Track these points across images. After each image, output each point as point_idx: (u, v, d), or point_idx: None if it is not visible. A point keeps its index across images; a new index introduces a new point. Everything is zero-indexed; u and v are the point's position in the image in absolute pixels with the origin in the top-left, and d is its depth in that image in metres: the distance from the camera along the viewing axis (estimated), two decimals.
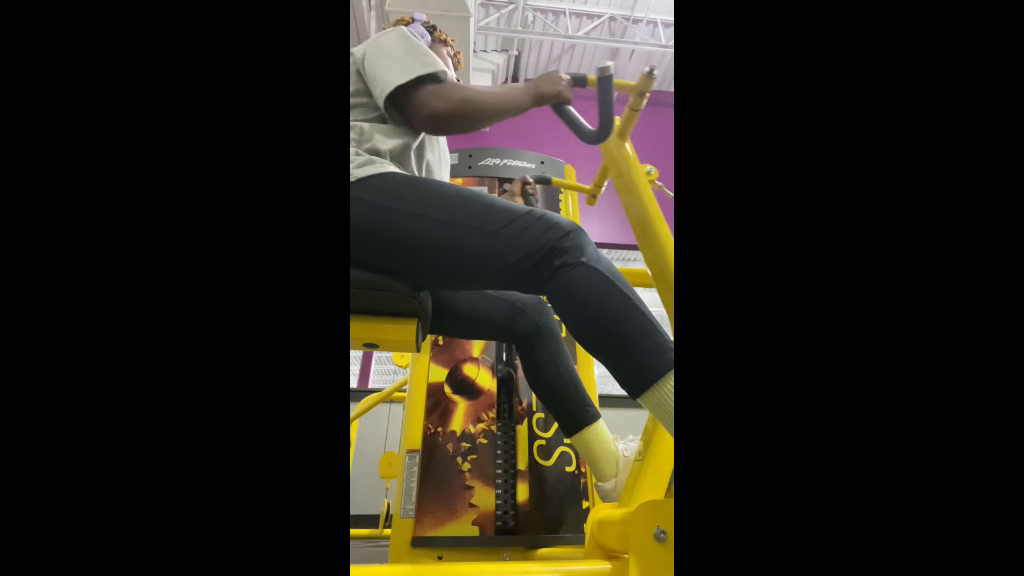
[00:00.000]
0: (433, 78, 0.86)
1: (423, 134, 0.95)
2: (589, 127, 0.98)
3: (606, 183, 1.37)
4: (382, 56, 0.88)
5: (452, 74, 1.13)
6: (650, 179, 1.09)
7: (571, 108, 0.97)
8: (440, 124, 0.85)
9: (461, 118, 0.84)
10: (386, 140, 0.88)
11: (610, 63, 0.90)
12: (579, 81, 0.95)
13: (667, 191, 1.24)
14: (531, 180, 1.29)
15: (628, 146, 1.12)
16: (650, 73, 0.96)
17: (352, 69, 0.93)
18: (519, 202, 1.23)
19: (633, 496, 0.75)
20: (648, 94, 1.01)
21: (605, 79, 0.90)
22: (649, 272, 0.94)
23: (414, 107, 0.85)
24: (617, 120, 1.08)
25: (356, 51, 0.94)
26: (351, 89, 0.92)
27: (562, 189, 1.57)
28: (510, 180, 1.65)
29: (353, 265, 0.80)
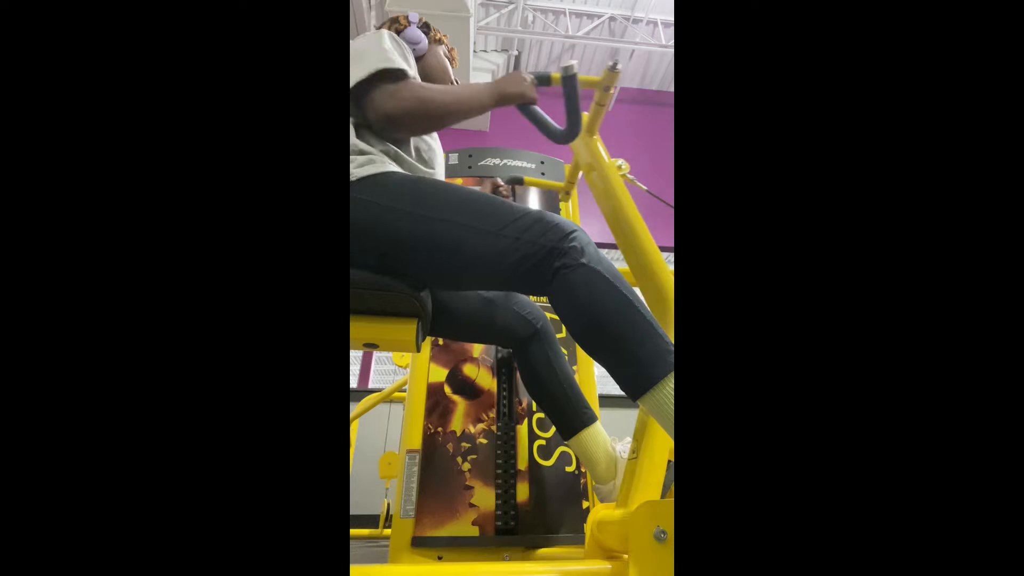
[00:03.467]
0: (390, 75, 0.84)
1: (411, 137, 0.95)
2: (557, 127, 0.98)
3: (579, 178, 1.38)
4: (355, 55, 0.87)
5: (452, 74, 1.13)
6: (621, 173, 1.10)
7: (538, 108, 0.96)
8: (395, 124, 0.83)
9: (418, 118, 0.82)
10: (377, 142, 0.88)
11: (574, 62, 0.90)
12: (543, 80, 0.94)
13: (640, 185, 1.24)
14: (501, 183, 1.29)
15: (597, 141, 1.13)
16: (613, 68, 0.96)
17: None
18: None
19: (630, 496, 0.75)
20: (613, 89, 1.01)
21: (569, 77, 0.90)
22: (627, 264, 0.94)
23: (369, 107, 0.83)
24: (585, 116, 1.08)
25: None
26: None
27: (543, 188, 1.57)
28: (522, 179, 1.66)
29: (353, 265, 0.80)
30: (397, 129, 0.85)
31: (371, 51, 0.86)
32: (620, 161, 1.18)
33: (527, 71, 0.94)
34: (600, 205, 1.09)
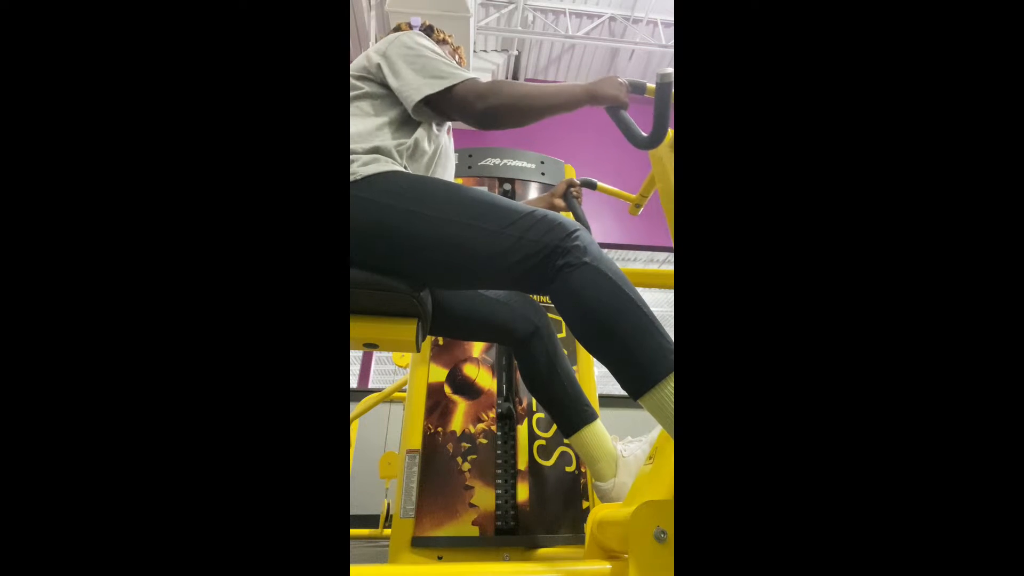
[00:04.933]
0: (473, 80, 0.88)
1: (427, 133, 0.95)
2: (641, 132, 0.97)
3: (653, 192, 1.36)
4: (404, 62, 0.90)
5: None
6: None
7: (626, 113, 0.97)
8: (494, 118, 0.86)
9: (515, 113, 0.86)
10: (393, 138, 0.89)
11: (669, 70, 0.89)
12: (638, 88, 0.96)
13: None
14: (577, 183, 1.27)
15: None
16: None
17: (367, 67, 0.93)
18: (560, 205, 1.23)
19: (638, 500, 0.75)
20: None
21: (664, 85, 0.89)
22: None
23: (462, 107, 0.87)
24: (670, 132, 1.08)
25: (373, 51, 0.95)
26: (366, 88, 0.92)
27: (610, 195, 1.55)
28: (511, 180, 1.65)
29: (354, 264, 0.80)
30: (496, 122, 0.87)
31: (430, 63, 0.89)
32: None
33: (623, 77, 0.96)
34: (669, 220, 1.08)
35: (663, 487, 0.66)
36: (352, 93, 0.92)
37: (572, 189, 1.25)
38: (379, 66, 0.92)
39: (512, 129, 0.91)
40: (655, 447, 0.80)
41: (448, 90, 0.87)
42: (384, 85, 0.93)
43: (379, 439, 3.28)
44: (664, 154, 1.11)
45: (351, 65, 0.96)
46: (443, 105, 0.88)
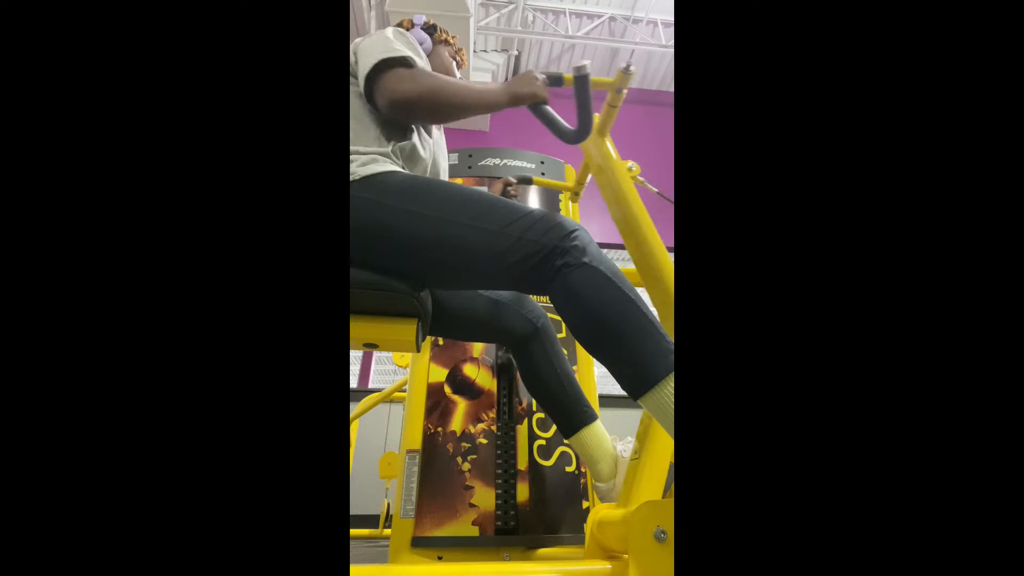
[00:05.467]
0: (401, 62, 0.84)
1: (416, 134, 0.95)
2: (568, 127, 0.98)
3: (588, 179, 1.37)
4: (362, 52, 0.88)
5: (457, 74, 1.13)
6: (632, 175, 1.09)
7: (549, 108, 0.95)
8: (404, 109, 0.83)
9: (427, 105, 0.82)
10: (384, 139, 0.88)
11: (586, 62, 0.89)
12: (555, 80, 0.94)
13: (649, 187, 1.24)
14: (513, 180, 1.29)
15: (608, 143, 1.12)
16: (626, 69, 0.95)
17: (352, 66, 0.92)
18: None
19: (631, 496, 0.75)
20: (625, 90, 1.01)
21: (582, 78, 0.89)
22: (634, 266, 0.94)
23: (379, 91, 0.83)
24: (596, 117, 1.08)
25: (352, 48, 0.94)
26: (357, 95, 0.92)
27: (558, 189, 1.57)
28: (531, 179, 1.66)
29: (354, 265, 0.80)
30: (407, 115, 0.84)
31: (376, 45, 0.86)
32: (631, 163, 1.17)
33: (539, 71, 0.93)
34: (609, 207, 1.09)
35: (655, 487, 0.66)
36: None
37: (509, 188, 1.27)
38: (352, 61, 0.91)
39: (435, 124, 0.86)
40: (638, 441, 0.80)
41: (378, 66, 0.83)
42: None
43: (379, 439, 3.28)
44: (595, 142, 1.11)
45: None
46: (373, 87, 0.84)
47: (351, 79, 0.91)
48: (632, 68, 0.95)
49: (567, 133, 0.97)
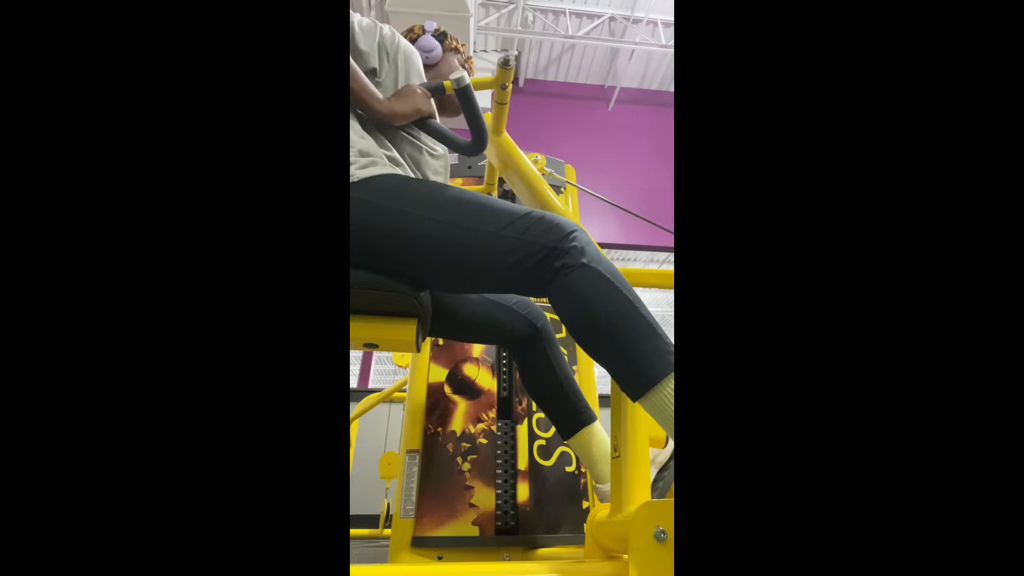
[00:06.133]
0: None
1: (413, 138, 0.95)
2: (463, 140, 0.94)
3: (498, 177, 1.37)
4: None
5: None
6: (537, 167, 1.09)
7: (438, 123, 0.92)
8: None
9: None
10: (381, 146, 0.89)
11: (463, 73, 0.85)
12: (436, 90, 0.92)
13: (586, 190, 1.23)
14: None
15: (506, 140, 1.11)
16: (505, 63, 0.91)
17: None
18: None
19: (622, 495, 0.76)
20: (510, 85, 0.98)
21: (462, 89, 0.86)
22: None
23: None
24: (488, 116, 1.05)
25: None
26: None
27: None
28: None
29: (353, 265, 0.80)
30: None
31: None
32: (536, 155, 1.17)
33: (418, 85, 0.89)
34: (522, 199, 1.09)
35: (643, 482, 0.66)
36: None
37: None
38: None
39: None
40: (614, 438, 0.81)
41: None
42: None
43: (379, 439, 3.28)
44: (493, 142, 1.10)
45: None
46: None
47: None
48: (511, 61, 0.92)
49: (464, 146, 0.93)
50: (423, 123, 0.90)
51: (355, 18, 0.89)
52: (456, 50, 1.12)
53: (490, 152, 1.13)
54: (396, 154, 0.89)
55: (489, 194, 1.44)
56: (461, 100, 0.86)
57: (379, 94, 0.86)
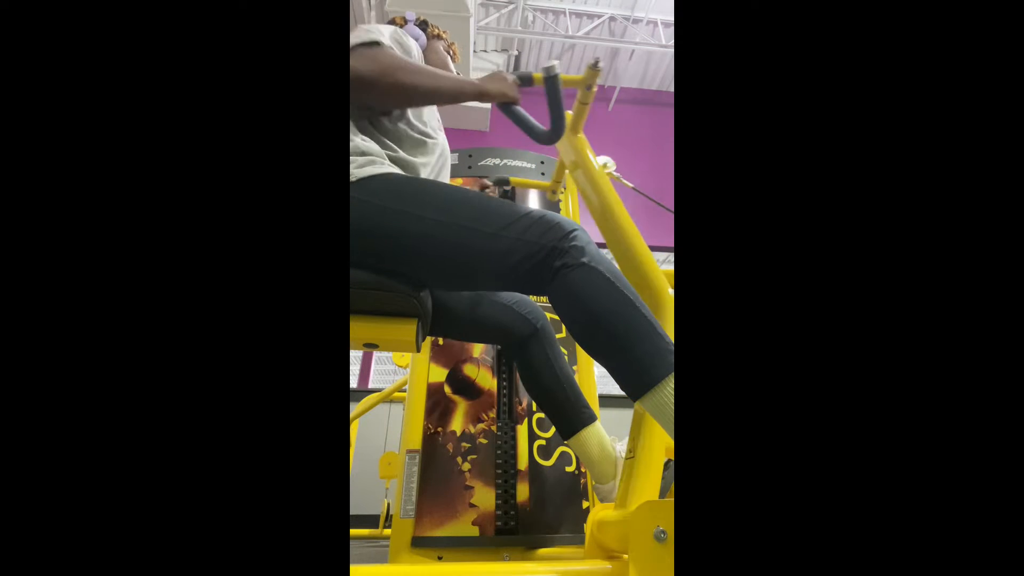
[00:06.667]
0: (369, 45, 0.83)
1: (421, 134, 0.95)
2: (541, 127, 0.97)
3: (565, 176, 1.38)
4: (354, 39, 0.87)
5: (453, 68, 1.13)
6: (606, 171, 1.10)
7: (521, 109, 0.94)
8: (363, 88, 0.81)
9: (385, 85, 0.81)
10: (380, 144, 0.89)
11: (556, 62, 0.89)
12: (525, 80, 0.94)
13: (625, 182, 1.24)
14: (489, 183, 1.29)
15: (582, 140, 1.12)
16: (595, 65, 0.95)
17: None
18: None
19: (628, 496, 0.76)
20: (595, 87, 1.01)
21: (551, 78, 0.89)
22: (610, 253, 0.95)
23: (354, 69, 0.81)
24: (569, 115, 1.07)
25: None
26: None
27: (531, 188, 1.58)
28: (508, 180, 1.65)
29: (353, 265, 0.80)
30: (366, 93, 0.82)
31: (355, 35, 0.86)
32: (606, 159, 1.18)
33: (510, 72, 0.95)
34: (587, 204, 1.10)
35: (652, 485, 0.66)
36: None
37: (486, 191, 1.27)
38: None
39: (398, 108, 0.84)
40: (632, 440, 0.80)
41: (355, 49, 0.81)
42: None
43: (379, 439, 3.28)
44: (568, 140, 1.11)
45: None
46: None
47: None
48: (600, 64, 0.95)
49: (540, 134, 0.97)
50: (507, 107, 0.93)
51: (383, 28, 0.90)
52: (439, 37, 1.13)
53: (564, 149, 1.14)
54: (399, 153, 0.89)
55: (554, 191, 1.45)
56: (548, 89, 0.88)
57: (455, 76, 0.86)
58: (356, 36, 0.85)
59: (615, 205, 0.99)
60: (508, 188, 1.42)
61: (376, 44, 0.83)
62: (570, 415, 1.01)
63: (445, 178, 1.09)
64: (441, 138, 1.02)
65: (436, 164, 0.99)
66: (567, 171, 1.31)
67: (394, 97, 0.83)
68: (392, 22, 1.09)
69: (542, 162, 1.71)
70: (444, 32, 1.15)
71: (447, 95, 0.84)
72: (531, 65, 5.75)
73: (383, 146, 0.89)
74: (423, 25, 1.12)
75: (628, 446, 0.82)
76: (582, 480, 1.31)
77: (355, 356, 4.74)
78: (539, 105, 1.03)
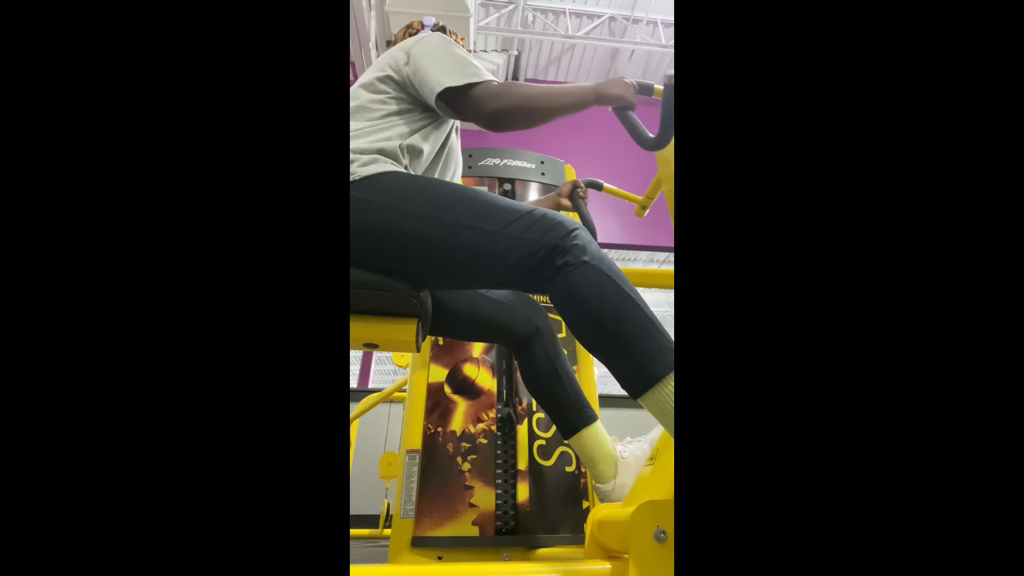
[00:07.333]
0: (491, 82, 0.90)
1: (432, 134, 0.96)
2: (649, 134, 0.99)
3: (659, 194, 1.36)
4: (428, 66, 0.91)
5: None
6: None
7: (632, 114, 0.97)
8: (505, 120, 0.87)
9: (523, 114, 0.87)
10: (399, 138, 0.90)
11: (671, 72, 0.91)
12: (645, 90, 0.97)
13: None
14: (582, 184, 1.27)
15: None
16: None
17: (390, 64, 0.95)
18: (566, 205, 1.23)
19: (641, 499, 0.75)
20: None
21: (671, 86, 0.90)
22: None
23: (474, 108, 0.88)
24: None
25: (397, 49, 0.97)
26: (383, 88, 0.93)
27: (620, 198, 1.55)
28: (511, 180, 1.65)
29: (354, 265, 0.80)
30: (507, 125, 0.88)
31: (449, 63, 0.90)
32: None
33: (631, 78, 0.97)
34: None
35: (663, 487, 0.66)
36: (368, 93, 0.93)
37: (578, 190, 1.25)
38: (399, 61, 0.93)
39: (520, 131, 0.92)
40: (656, 448, 0.80)
41: (467, 87, 0.87)
42: (400, 86, 0.93)
43: (379, 439, 3.28)
44: (671, 155, 1.11)
45: (375, 66, 0.97)
46: (459, 102, 0.89)
47: (383, 81, 0.93)
48: None
49: (648, 140, 0.98)
50: (622, 111, 0.96)
51: (471, 57, 0.95)
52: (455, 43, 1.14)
53: (665, 163, 1.13)
54: (395, 145, 0.90)
55: (645, 207, 1.43)
56: (666, 95, 0.91)
57: (573, 85, 0.92)
58: (450, 66, 0.90)
59: None
60: (545, 182, 1.38)
61: (487, 81, 0.89)
62: (571, 414, 1.01)
63: (456, 180, 1.09)
64: (454, 137, 1.03)
65: (444, 159, 1.00)
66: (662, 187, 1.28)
67: (530, 122, 0.89)
68: (409, 27, 1.09)
69: (542, 162, 1.71)
70: (461, 39, 1.16)
71: (571, 107, 0.90)
72: (531, 65, 5.76)
73: (387, 142, 0.89)
74: (441, 30, 1.13)
75: (651, 454, 0.82)
76: (582, 480, 1.31)
77: (355, 356, 4.74)
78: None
